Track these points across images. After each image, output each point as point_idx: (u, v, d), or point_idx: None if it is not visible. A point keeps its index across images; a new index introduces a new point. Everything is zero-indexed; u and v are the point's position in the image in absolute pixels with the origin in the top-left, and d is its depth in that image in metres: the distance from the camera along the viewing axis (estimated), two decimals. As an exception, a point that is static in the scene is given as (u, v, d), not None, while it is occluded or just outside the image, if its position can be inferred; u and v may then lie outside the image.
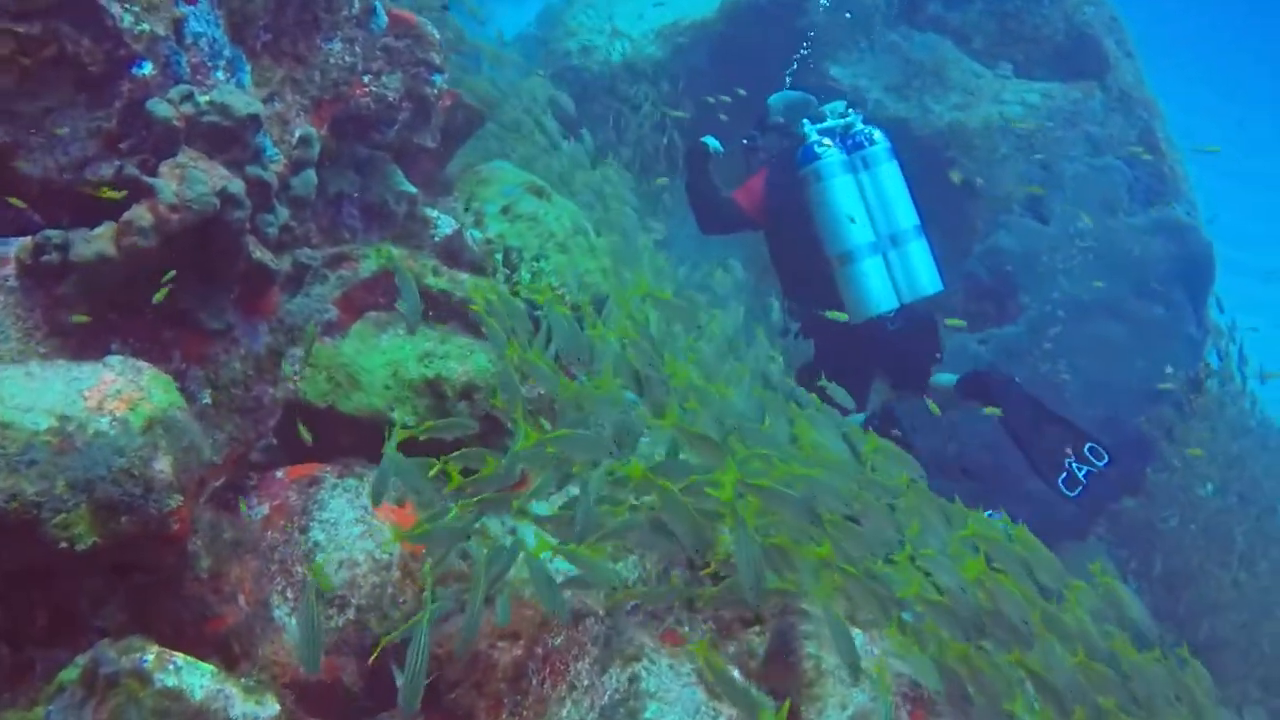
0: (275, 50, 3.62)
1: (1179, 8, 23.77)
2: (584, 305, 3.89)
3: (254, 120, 3.05)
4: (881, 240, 5.00)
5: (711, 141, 5.49)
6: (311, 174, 3.54)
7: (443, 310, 3.83)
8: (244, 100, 3.04)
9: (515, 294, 4.25)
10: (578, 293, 4.15)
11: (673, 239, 7.03)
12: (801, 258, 5.16)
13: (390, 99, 4.07)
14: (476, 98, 5.05)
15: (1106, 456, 4.61)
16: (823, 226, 5.00)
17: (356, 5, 3.85)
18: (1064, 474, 4.60)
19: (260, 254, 3.08)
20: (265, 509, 3.08)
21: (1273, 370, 7.18)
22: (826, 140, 5.07)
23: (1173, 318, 6.86)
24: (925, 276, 5.04)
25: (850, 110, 5.36)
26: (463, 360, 3.48)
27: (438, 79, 4.25)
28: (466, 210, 4.68)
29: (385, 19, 4.01)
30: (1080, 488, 4.56)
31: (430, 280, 3.85)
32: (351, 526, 3.00)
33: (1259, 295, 18.19)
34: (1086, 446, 4.63)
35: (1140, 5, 9.44)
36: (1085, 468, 4.59)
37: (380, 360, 3.49)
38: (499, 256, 4.39)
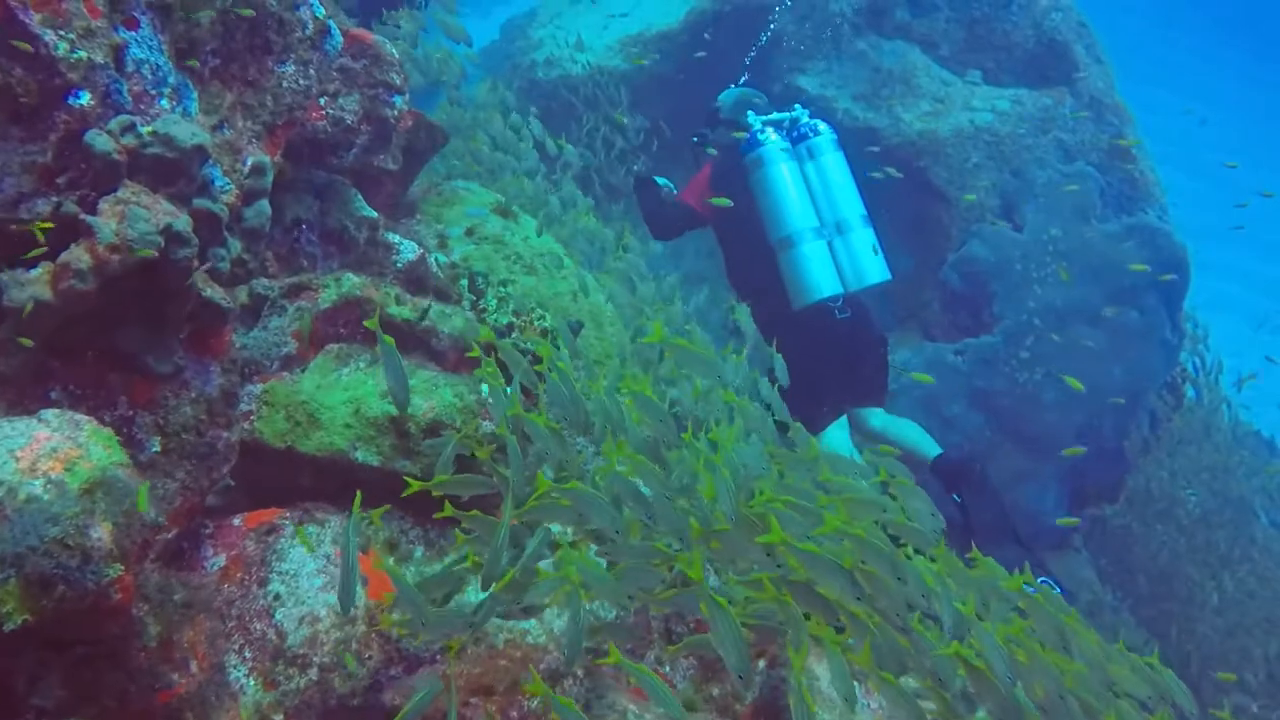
0: (224, 75, 3.46)
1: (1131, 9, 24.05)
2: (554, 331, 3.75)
3: (200, 151, 2.89)
4: (826, 227, 4.94)
5: (661, 180, 5.45)
6: (265, 204, 3.38)
7: (406, 341, 3.68)
8: (189, 130, 2.87)
9: (482, 320, 4.10)
10: (549, 318, 4.00)
11: (652, 256, 6.90)
12: (748, 246, 5.10)
13: (348, 121, 3.92)
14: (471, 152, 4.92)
15: (1058, 590, 4.38)
16: (765, 212, 4.94)
17: (310, 26, 3.69)
18: None
19: (211, 291, 2.92)
20: (222, 560, 2.91)
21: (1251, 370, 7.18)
22: (771, 129, 5.01)
23: (1148, 324, 6.82)
24: (872, 265, 4.97)
25: (796, 105, 5.32)
26: (428, 396, 3.31)
27: (398, 100, 4.10)
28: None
29: (340, 39, 3.85)
30: None
31: (393, 309, 3.69)
32: (313, 578, 2.83)
33: (1230, 293, 18.34)
34: (1039, 580, 4.44)
35: (1103, 7, 9.42)
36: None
37: (341, 397, 3.32)
38: (464, 282, 4.24)
